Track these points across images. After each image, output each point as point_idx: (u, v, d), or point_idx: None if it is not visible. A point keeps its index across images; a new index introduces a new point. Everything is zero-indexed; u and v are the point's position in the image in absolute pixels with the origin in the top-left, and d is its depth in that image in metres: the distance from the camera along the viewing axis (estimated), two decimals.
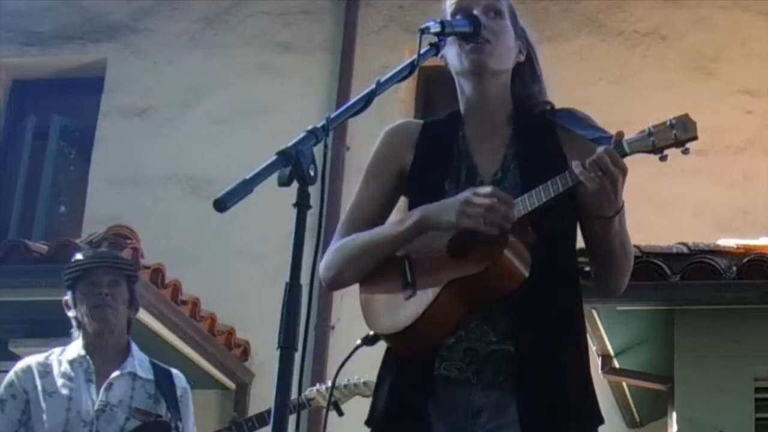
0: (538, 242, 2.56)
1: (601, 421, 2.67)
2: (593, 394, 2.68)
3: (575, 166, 2.48)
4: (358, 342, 2.69)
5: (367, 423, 2.69)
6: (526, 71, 2.79)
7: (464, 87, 2.76)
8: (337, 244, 2.71)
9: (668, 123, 2.45)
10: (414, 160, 2.76)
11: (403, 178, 2.75)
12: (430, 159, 2.72)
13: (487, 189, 2.55)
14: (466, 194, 2.55)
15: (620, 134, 2.51)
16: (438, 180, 2.69)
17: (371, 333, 2.66)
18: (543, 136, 2.71)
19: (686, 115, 2.46)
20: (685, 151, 2.47)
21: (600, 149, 2.47)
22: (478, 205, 2.51)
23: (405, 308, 2.56)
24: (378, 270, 2.64)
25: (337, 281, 2.72)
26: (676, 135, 2.43)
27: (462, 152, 2.72)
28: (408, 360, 2.61)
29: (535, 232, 2.56)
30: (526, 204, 2.53)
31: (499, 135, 2.72)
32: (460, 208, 2.52)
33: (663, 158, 2.48)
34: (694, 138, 2.44)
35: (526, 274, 2.54)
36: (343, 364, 2.61)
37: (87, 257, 4.34)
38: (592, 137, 2.56)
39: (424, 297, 2.55)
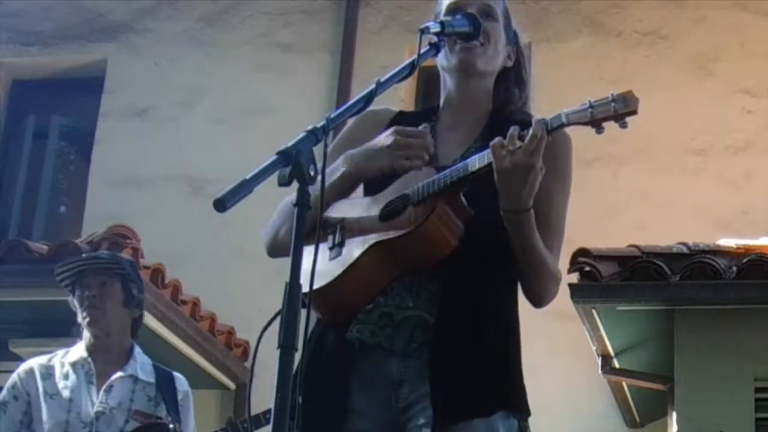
0: (477, 218, 2.52)
1: (527, 413, 2.57)
2: (520, 382, 2.58)
3: (496, 138, 2.45)
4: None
5: None
6: (512, 76, 2.79)
7: (448, 82, 2.77)
8: (277, 208, 2.67)
9: (610, 97, 2.42)
10: None
11: None
12: None
13: (406, 128, 2.54)
14: (389, 138, 2.55)
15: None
16: None
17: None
18: None
19: (630, 92, 2.42)
20: (623, 125, 2.41)
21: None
22: (409, 144, 2.51)
23: (326, 268, 2.54)
24: (313, 232, 2.57)
25: (275, 241, 2.66)
26: (616, 108, 2.40)
27: None
28: (330, 327, 2.59)
29: (473, 207, 2.53)
30: (444, 179, 2.51)
31: (469, 131, 2.72)
32: (394, 152, 2.52)
33: (599, 131, 2.42)
34: (633, 112, 2.39)
35: (455, 243, 2.50)
36: (264, 330, 2.45)
37: (77, 260, 4.30)
38: (537, 119, 2.50)
39: (347, 257, 2.53)
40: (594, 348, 6.26)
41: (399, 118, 2.81)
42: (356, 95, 2.44)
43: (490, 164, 2.46)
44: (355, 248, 2.54)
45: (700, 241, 6.07)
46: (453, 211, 2.52)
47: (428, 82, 8.21)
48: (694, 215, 7.52)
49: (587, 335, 6.13)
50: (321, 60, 8.57)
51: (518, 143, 2.42)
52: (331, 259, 2.56)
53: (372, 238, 2.53)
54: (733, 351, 5.61)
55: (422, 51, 2.56)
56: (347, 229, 2.59)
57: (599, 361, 6.33)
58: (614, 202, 7.57)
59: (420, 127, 2.59)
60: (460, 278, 2.54)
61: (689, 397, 5.63)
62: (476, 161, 2.48)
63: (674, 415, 5.76)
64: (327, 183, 2.57)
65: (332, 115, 2.32)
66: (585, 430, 6.95)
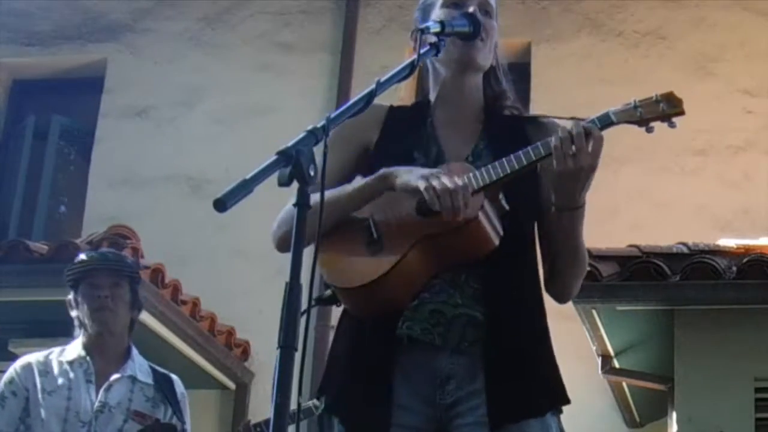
0: (513, 213, 2.54)
1: (567, 400, 2.62)
2: (559, 372, 2.64)
3: (553, 137, 2.47)
4: (311, 303, 2.60)
5: (320, 391, 2.63)
6: (492, 72, 2.80)
7: (442, 74, 2.78)
8: (285, 208, 2.63)
9: (654, 98, 2.47)
10: (380, 136, 2.75)
11: (366, 154, 2.72)
12: (398, 134, 2.72)
13: (459, 166, 2.53)
14: (437, 169, 2.54)
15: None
16: (408, 149, 2.68)
17: (327, 293, 2.58)
18: (513, 131, 2.72)
19: (671, 93, 2.48)
20: (672, 125, 2.48)
21: (576, 123, 2.47)
22: (443, 182, 2.46)
23: (372, 263, 2.52)
24: (340, 230, 2.58)
25: (288, 239, 2.59)
26: (663, 109, 2.46)
27: (430, 136, 2.73)
28: (370, 323, 2.57)
29: (510, 202, 2.54)
30: (491, 173, 2.51)
31: (469, 128, 2.73)
32: (428, 173, 2.49)
33: (650, 130, 2.49)
34: (681, 113, 2.46)
35: (496, 243, 2.52)
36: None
37: (90, 258, 4.32)
38: (587, 120, 2.52)
39: (393, 252, 2.51)
40: (594, 348, 6.26)
41: (392, 113, 2.82)
42: (356, 95, 2.43)
43: (534, 162, 2.49)
44: (398, 243, 2.52)
45: (700, 241, 6.07)
46: (493, 208, 2.53)
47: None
48: (693, 215, 7.52)
49: (587, 335, 6.13)
50: (321, 60, 8.57)
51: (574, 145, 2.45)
52: (373, 254, 2.54)
53: (417, 233, 2.52)
54: (733, 351, 5.61)
55: (422, 51, 2.57)
56: (381, 224, 2.57)
57: (599, 361, 6.33)
58: (614, 202, 7.56)
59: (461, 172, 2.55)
60: (501, 276, 2.56)
61: (689, 397, 5.63)
62: (522, 158, 2.50)
63: (674, 415, 5.76)
64: (359, 184, 2.59)
65: (332, 115, 2.31)
66: (585, 430, 6.94)
